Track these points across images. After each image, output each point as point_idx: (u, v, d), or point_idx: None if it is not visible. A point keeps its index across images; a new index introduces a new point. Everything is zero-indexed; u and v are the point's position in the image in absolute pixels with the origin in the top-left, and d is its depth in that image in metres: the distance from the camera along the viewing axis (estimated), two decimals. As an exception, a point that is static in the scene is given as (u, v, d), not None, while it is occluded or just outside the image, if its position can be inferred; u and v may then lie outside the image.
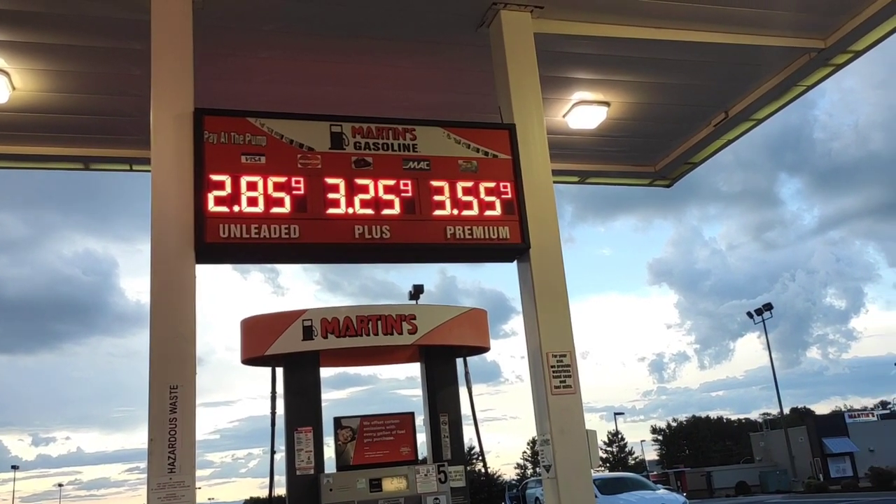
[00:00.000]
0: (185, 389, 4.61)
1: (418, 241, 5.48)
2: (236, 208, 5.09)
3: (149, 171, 5.11)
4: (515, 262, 6.00)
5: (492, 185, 5.77)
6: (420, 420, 5.93)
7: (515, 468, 75.39)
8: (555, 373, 5.59)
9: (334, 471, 5.19)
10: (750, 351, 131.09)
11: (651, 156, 9.42)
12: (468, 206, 5.65)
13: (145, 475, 4.34)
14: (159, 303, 4.73)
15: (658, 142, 9.03)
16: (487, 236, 5.61)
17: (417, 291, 6.81)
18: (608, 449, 70.17)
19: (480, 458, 6.58)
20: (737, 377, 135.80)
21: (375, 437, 5.40)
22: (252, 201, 5.14)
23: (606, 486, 19.13)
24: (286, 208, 5.19)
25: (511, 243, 5.71)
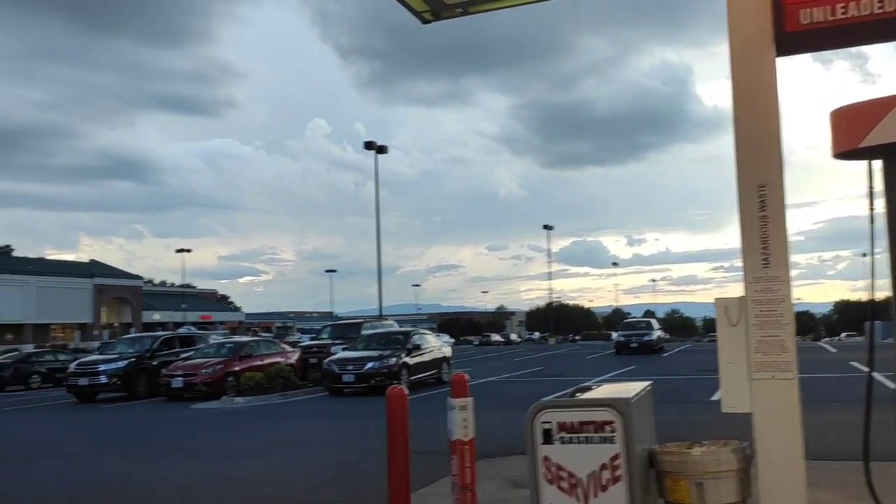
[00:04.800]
0: (773, 188, 4.55)
1: None
2: (817, -12, 4.58)
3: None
4: None
5: None
6: None
7: None
8: None
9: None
10: None
11: None
12: None
13: (730, 273, 4.52)
14: (741, 101, 4.67)
15: None
16: None
17: None
18: None
19: None
20: None
21: None
22: (836, -23, 4.55)
23: None
24: (878, -23, 4.47)
25: None
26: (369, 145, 46.33)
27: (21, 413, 20.44)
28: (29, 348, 45.56)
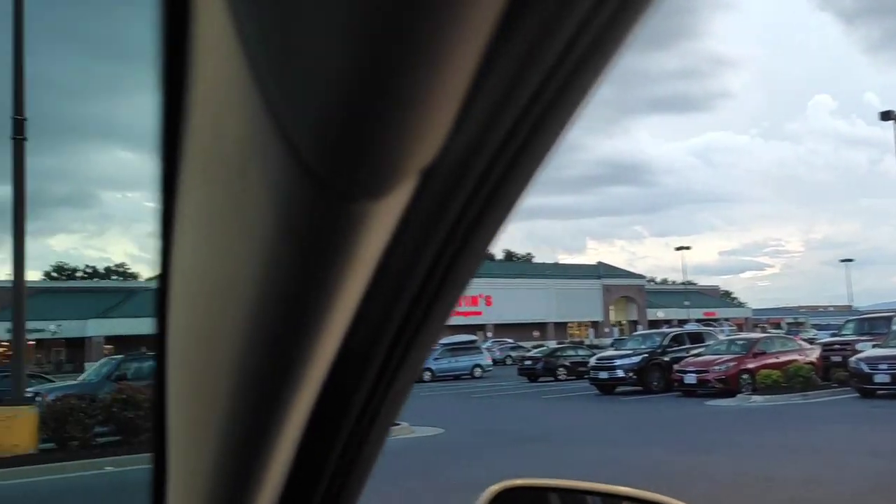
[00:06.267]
0: None
1: None
2: None
3: None
4: None
5: None
6: None
7: None
8: None
9: None
10: None
11: None
12: None
13: None
14: None
15: None
16: None
17: None
18: None
19: None
20: None
21: None
22: None
23: None
24: None
25: None
26: (886, 115, 40.60)
27: (557, 402, 22.90)
28: (552, 344, 50.82)
